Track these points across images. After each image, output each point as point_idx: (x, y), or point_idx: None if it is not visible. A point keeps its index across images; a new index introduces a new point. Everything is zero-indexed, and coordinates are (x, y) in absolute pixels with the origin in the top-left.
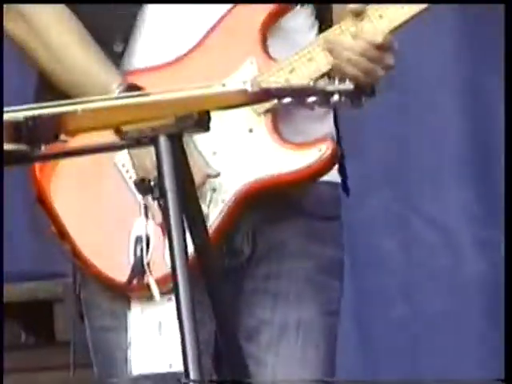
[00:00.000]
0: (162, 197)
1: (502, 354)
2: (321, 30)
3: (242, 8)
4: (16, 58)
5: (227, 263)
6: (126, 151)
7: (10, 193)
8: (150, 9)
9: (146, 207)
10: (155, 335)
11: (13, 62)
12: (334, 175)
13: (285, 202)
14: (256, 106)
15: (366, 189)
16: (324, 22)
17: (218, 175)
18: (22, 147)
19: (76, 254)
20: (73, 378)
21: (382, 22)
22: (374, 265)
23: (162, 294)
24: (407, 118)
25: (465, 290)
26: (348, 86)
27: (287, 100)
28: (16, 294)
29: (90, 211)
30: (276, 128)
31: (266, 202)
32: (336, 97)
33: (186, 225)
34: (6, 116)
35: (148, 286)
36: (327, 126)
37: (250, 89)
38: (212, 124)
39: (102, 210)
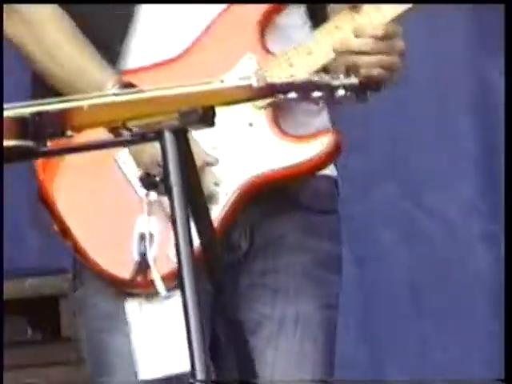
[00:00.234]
0: (167, 192)
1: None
2: (315, 24)
3: (238, 7)
4: None
5: (225, 258)
6: (126, 148)
7: (14, 188)
8: (144, 8)
9: (148, 204)
10: (157, 336)
11: None
12: (331, 169)
13: (282, 196)
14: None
15: (369, 183)
16: (317, 20)
17: (217, 162)
18: (28, 143)
19: (79, 251)
20: (79, 372)
21: (379, 13)
22: (377, 259)
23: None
24: (412, 112)
25: (469, 285)
26: (353, 80)
27: (292, 95)
28: (21, 290)
29: (92, 209)
30: (276, 122)
31: (264, 197)
32: (341, 91)
33: (191, 219)
34: (11, 112)
35: (152, 282)
36: (325, 118)
37: (255, 84)
38: None
39: (104, 207)
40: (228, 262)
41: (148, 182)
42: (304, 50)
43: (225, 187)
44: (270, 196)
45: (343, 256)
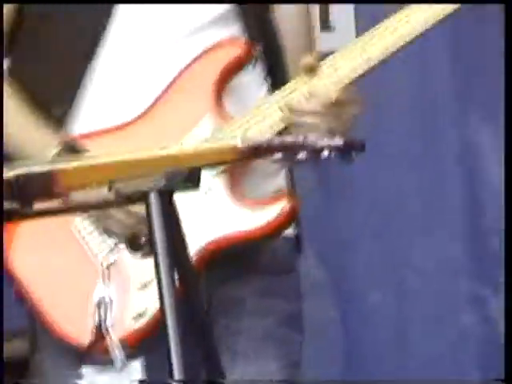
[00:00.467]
0: (152, 253)
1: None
2: (272, 84)
3: (195, 68)
4: None
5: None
6: (82, 217)
7: None
8: (98, 71)
9: (105, 269)
10: None
11: None
12: (289, 229)
13: (240, 259)
14: None
15: (356, 240)
16: (276, 78)
17: None
18: (14, 205)
19: (39, 316)
20: None
21: (336, 75)
22: (364, 316)
23: (133, 354)
24: (398, 170)
25: (454, 342)
26: (338, 141)
27: (277, 156)
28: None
29: (51, 274)
30: (232, 187)
31: (221, 261)
32: (326, 152)
33: (176, 280)
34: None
35: (109, 350)
36: (280, 180)
37: (240, 145)
38: None
39: (62, 272)
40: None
41: (133, 244)
42: (260, 114)
43: None
44: (228, 260)
45: (331, 315)
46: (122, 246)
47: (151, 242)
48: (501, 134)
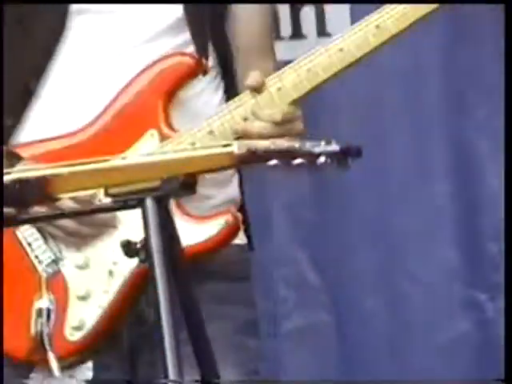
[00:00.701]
0: (148, 259)
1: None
2: (227, 89)
3: (142, 81)
4: None
5: (135, 331)
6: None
7: None
8: (49, 83)
9: (47, 280)
10: None
11: None
12: (241, 238)
13: (192, 267)
14: None
15: (351, 247)
16: (230, 84)
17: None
18: (10, 210)
19: None
20: None
21: (280, 94)
22: (359, 323)
23: (63, 368)
24: (392, 178)
25: (449, 349)
26: (334, 147)
27: (273, 162)
28: None
29: None
30: (178, 202)
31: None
32: (322, 158)
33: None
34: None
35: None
36: (231, 189)
37: (236, 151)
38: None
39: (5, 281)
40: (140, 335)
41: (129, 249)
42: (206, 129)
43: (121, 268)
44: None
45: (325, 320)
46: (65, 256)
47: (147, 247)
48: (498, 139)
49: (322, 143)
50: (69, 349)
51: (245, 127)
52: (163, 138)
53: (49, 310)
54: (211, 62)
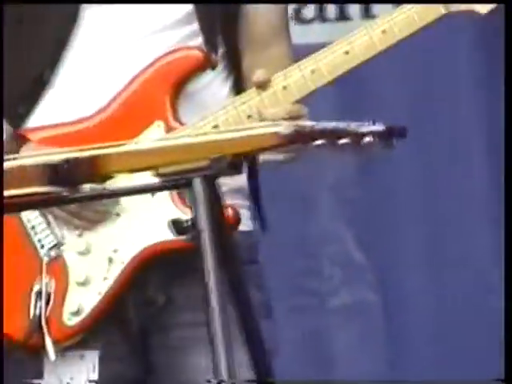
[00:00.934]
0: (197, 237)
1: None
2: (235, 82)
3: (149, 75)
4: None
5: (142, 312)
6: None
7: None
8: (62, 72)
9: (48, 264)
10: None
11: None
12: (247, 224)
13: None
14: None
15: (395, 227)
16: (240, 75)
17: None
18: (59, 189)
19: None
20: None
21: (285, 93)
22: (404, 302)
23: (67, 349)
24: (435, 159)
25: (490, 329)
26: (379, 127)
27: (319, 142)
28: None
29: None
30: (179, 193)
31: (180, 255)
32: (367, 138)
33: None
34: (42, 158)
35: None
36: (240, 178)
37: (283, 131)
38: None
39: (4, 265)
40: (146, 315)
41: (178, 227)
42: (211, 123)
43: (121, 255)
44: (186, 254)
45: (371, 298)
46: (67, 241)
47: (196, 226)
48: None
49: (367, 123)
50: (66, 333)
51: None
52: (169, 129)
53: (48, 294)
54: (220, 53)
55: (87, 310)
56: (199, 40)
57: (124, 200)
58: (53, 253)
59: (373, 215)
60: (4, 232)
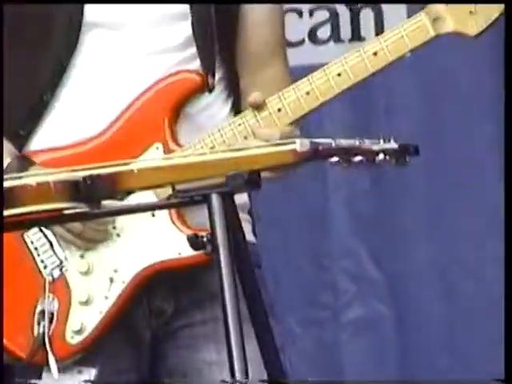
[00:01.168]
0: (214, 252)
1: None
2: (235, 102)
3: (150, 96)
4: None
5: (151, 324)
6: (36, 230)
7: None
8: (64, 94)
9: (50, 283)
10: None
11: None
12: (250, 237)
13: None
14: (159, 191)
15: (408, 241)
16: (239, 95)
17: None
18: (80, 205)
19: None
20: None
21: (280, 114)
22: (416, 316)
23: (68, 366)
24: (445, 174)
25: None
26: (392, 145)
27: (334, 159)
28: None
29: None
30: (178, 213)
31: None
32: (381, 156)
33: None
34: (64, 175)
35: (47, 361)
36: (242, 195)
37: (299, 148)
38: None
39: (8, 283)
40: (156, 326)
41: (196, 242)
42: (209, 145)
43: (121, 275)
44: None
45: (384, 312)
46: (70, 261)
47: (213, 241)
48: None
49: (381, 141)
50: (68, 351)
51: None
52: (168, 151)
53: (51, 313)
54: (219, 74)
55: (89, 328)
56: (197, 63)
57: (123, 220)
58: (56, 273)
59: (386, 229)
60: (7, 253)
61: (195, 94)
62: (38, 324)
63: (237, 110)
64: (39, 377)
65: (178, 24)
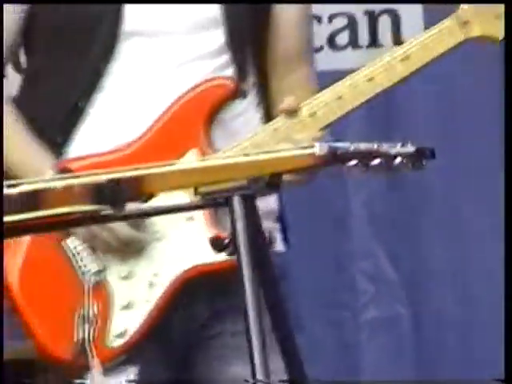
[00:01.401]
0: (235, 254)
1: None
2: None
3: (183, 105)
4: None
5: (186, 329)
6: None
7: None
8: (99, 101)
9: (91, 288)
10: None
11: None
12: (279, 246)
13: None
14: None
15: (426, 244)
16: (270, 100)
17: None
18: (105, 208)
19: (27, 331)
20: None
21: (312, 119)
22: (433, 318)
23: (110, 368)
24: (462, 176)
25: None
26: (409, 149)
27: (352, 163)
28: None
29: (38, 289)
30: (213, 217)
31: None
32: (398, 159)
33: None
34: (88, 178)
35: (89, 366)
36: (272, 200)
37: (318, 152)
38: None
39: (48, 288)
40: (190, 331)
41: (217, 244)
42: (241, 151)
43: (161, 279)
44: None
45: (401, 314)
46: (110, 266)
47: (235, 244)
48: None
49: (398, 145)
50: (110, 354)
51: None
52: (203, 157)
53: (91, 318)
54: (252, 80)
55: (130, 332)
56: (231, 70)
57: (162, 225)
58: (97, 278)
59: (404, 231)
60: (46, 258)
61: (229, 100)
62: (79, 329)
63: (269, 116)
64: (83, 380)
65: (212, 31)
